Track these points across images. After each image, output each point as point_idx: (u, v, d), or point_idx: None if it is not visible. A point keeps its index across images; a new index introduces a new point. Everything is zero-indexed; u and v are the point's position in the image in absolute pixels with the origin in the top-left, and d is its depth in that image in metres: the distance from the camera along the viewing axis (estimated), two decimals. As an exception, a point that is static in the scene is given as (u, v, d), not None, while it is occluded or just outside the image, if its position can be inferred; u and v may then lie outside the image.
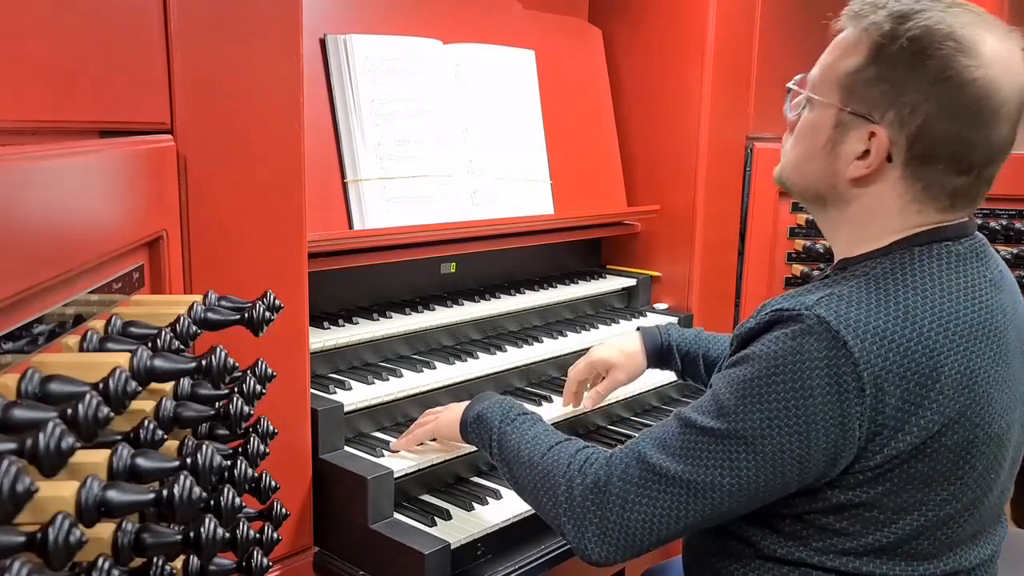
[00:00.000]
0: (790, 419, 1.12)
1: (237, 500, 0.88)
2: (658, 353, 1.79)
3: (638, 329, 1.85)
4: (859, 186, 1.21)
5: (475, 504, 1.61)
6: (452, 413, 1.56)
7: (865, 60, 1.17)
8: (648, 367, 1.81)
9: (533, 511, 1.61)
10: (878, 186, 1.20)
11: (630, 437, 1.97)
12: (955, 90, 1.12)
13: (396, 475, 1.55)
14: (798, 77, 1.32)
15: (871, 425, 1.11)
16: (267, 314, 1.01)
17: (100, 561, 0.68)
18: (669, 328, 1.84)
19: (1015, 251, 2.68)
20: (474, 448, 1.57)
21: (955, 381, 1.13)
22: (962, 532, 1.21)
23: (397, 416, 1.79)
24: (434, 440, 1.65)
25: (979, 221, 2.72)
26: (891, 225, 1.21)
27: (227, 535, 0.83)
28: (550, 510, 1.28)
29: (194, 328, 0.95)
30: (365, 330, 1.85)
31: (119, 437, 0.79)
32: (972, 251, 1.22)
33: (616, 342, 1.81)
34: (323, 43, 1.92)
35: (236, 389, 0.96)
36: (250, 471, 0.95)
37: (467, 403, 1.54)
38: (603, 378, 1.82)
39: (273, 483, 1.03)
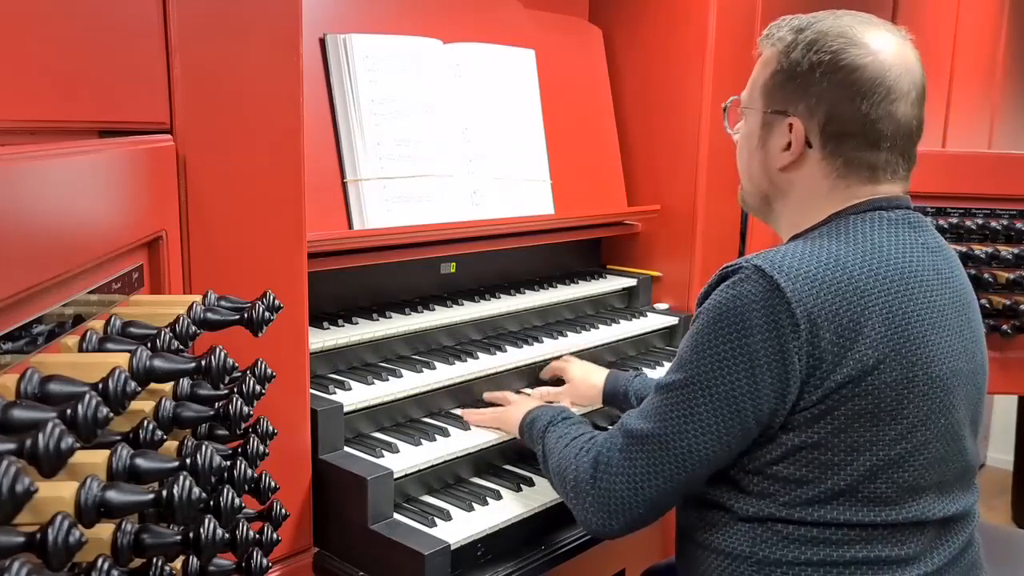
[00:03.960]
0: (736, 358, 1.24)
1: (237, 500, 0.88)
2: (613, 395, 1.92)
3: (611, 370, 1.98)
4: (789, 172, 1.40)
5: (475, 504, 1.61)
6: (515, 413, 1.72)
7: (776, 68, 1.39)
8: (603, 404, 1.95)
9: (533, 512, 1.63)
10: (805, 169, 1.38)
11: None
12: (850, 75, 1.31)
13: (396, 475, 1.55)
14: (732, 98, 1.58)
15: (809, 359, 1.22)
16: (267, 314, 1.00)
17: (100, 561, 0.68)
18: (637, 374, 1.95)
19: (1015, 251, 2.67)
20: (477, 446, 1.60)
21: (886, 319, 1.24)
22: (919, 479, 1.28)
23: (397, 416, 1.79)
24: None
25: (980, 221, 2.74)
26: (826, 201, 1.37)
27: (227, 536, 0.83)
28: (564, 492, 1.46)
29: (194, 328, 0.95)
30: (365, 330, 1.85)
31: (119, 437, 0.79)
32: (905, 220, 1.35)
33: (587, 372, 1.98)
34: (323, 43, 1.92)
35: (236, 389, 0.96)
36: (250, 471, 0.95)
37: (528, 407, 1.71)
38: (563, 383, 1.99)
39: (273, 483, 1.03)
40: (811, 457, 1.26)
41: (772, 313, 1.22)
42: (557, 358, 2.08)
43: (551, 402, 1.81)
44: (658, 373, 2.13)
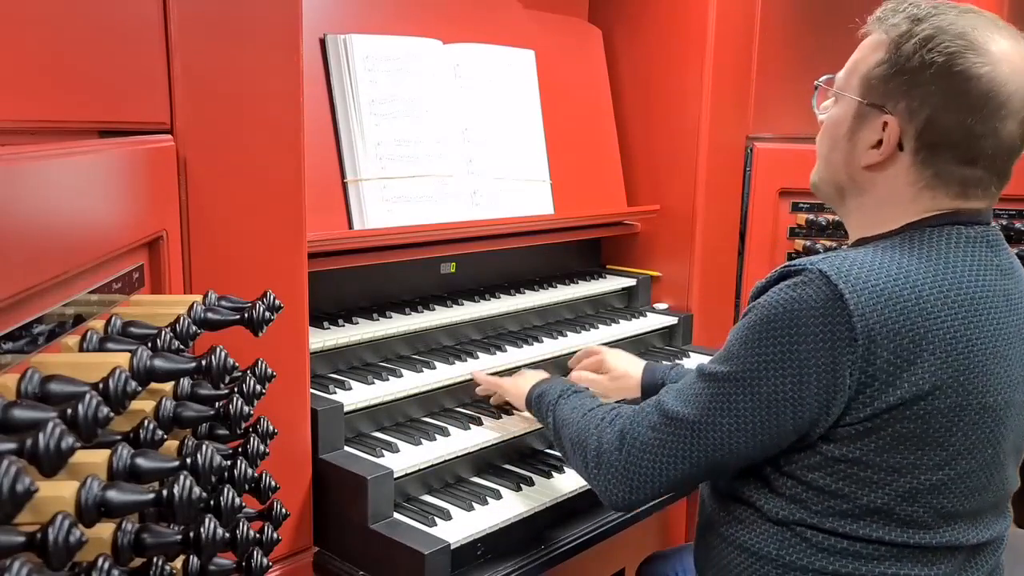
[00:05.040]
0: (784, 362, 1.20)
1: (237, 500, 0.88)
2: (652, 387, 1.88)
3: (647, 361, 1.94)
4: (873, 172, 1.30)
5: (475, 504, 1.61)
6: (522, 383, 1.75)
7: (884, 57, 1.27)
8: (642, 397, 1.91)
9: (533, 511, 1.63)
10: (891, 172, 1.28)
11: None
12: (962, 84, 1.20)
13: (396, 475, 1.55)
14: (826, 77, 1.43)
15: (862, 375, 1.17)
16: (267, 314, 1.01)
17: (100, 561, 0.68)
18: (673, 366, 1.91)
19: (1015, 251, 2.67)
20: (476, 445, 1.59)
21: (948, 345, 1.18)
22: (958, 505, 1.24)
23: (397, 416, 1.79)
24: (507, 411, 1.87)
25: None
26: (906, 210, 1.28)
27: (227, 535, 0.83)
28: (582, 461, 1.44)
29: (194, 328, 0.95)
30: (365, 330, 1.85)
31: (119, 437, 0.79)
32: (983, 237, 1.27)
33: (628, 359, 1.95)
34: (323, 43, 1.92)
35: (236, 389, 0.96)
36: (250, 471, 0.95)
37: (535, 380, 1.73)
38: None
39: (273, 483, 1.03)
40: (850, 472, 1.22)
41: (831, 323, 1.16)
42: (557, 358, 2.08)
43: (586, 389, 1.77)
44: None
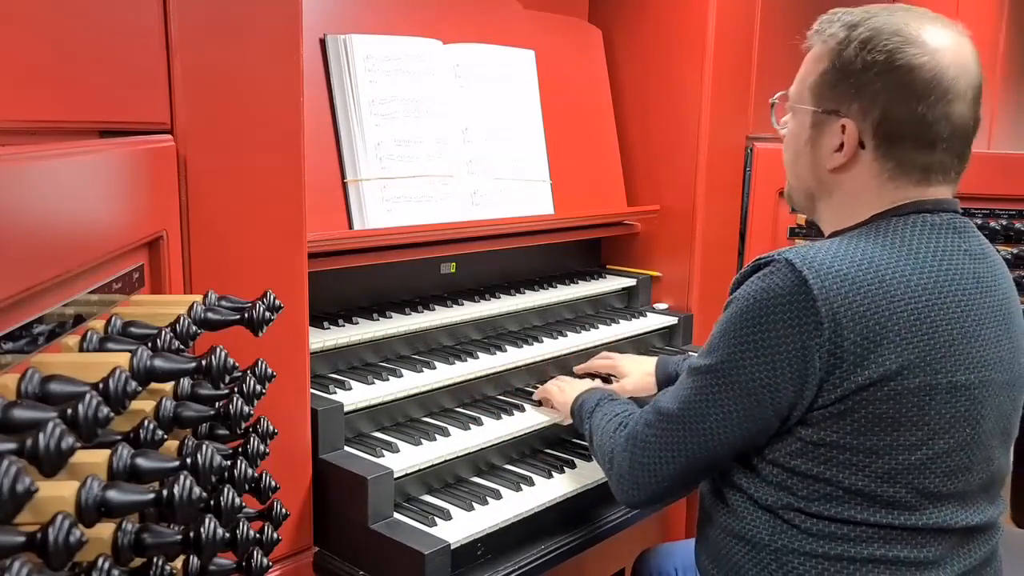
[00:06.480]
0: (759, 349, 1.25)
1: (237, 500, 0.88)
2: (667, 379, 1.94)
3: (658, 357, 2.01)
4: (840, 173, 1.36)
5: (475, 504, 1.61)
6: (569, 392, 1.84)
7: (828, 65, 1.34)
8: (658, 391, 1.96)
9: (533, 511, 1.63)
10: (856, 170, 1.35)
11: None
12: (905, 75, 1.27)
13: (396, 475, 1.56)
14: (779, 94, 1.53)
15: (830, 358, 1.21)
16: (267, 314, 1.01)
17: (100, 561, 0.69)
18: (685, 358, 1.96)
19: (1015, 251, 2.68)
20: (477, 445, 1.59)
21: (912, 325, 1.22)
22: (940, 486, 1.26)
23: (397, 416, 1.79)
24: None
25: (979, 221, 2.74)
26: (871, 203, 1.34)
27: (227, 535, 0.83)
28: (606, 464, 1.51)
29: (194, 328, 0.95)
30: (365, 330, 1.85)
31: (119, 437, 0.79)
32: (950, 224, 1.31)
33: (639, 361, 2.04)
34: (323, 43, 1.92)
35: (236, 389, 0.96)
36: (250, 471, 0.95)
37: (580, 390, 1.81)
38: (613, 379, 2.03)
39: (273, 483, 1.03)
40: (829, 455, 1.25)
41: (797, 309, 1.22)
42: (557, 358, 2.08)
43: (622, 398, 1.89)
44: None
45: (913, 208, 1.31)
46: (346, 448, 1.63)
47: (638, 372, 1.98)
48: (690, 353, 2.13)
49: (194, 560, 0.87)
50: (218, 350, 0.90)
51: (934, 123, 1.27)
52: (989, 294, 1.30)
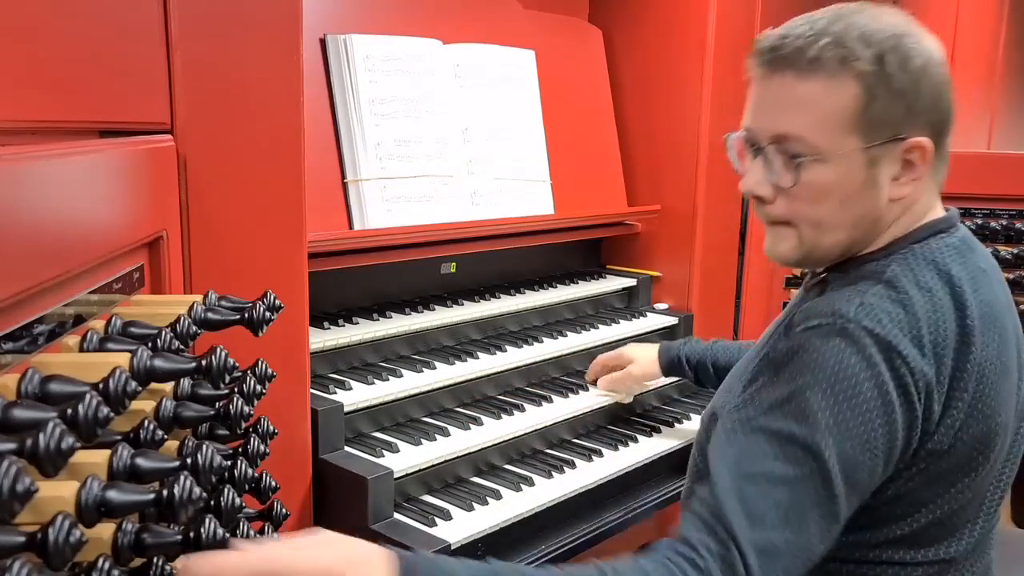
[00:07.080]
0: (856, 429, 1.11)
1: (237, 500, 0.88)
2: (669, 363, 1.98)
3: (661, 342, 2.04)
4: (900, 200, 1.23)
5: (475, 504, 1.61)
6: None
7: (861, 91, 1.16)
8: (663, 375, 2.02)
9: (533, 511, 1.63)
10: (917, 185, 1.22)
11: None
12: (935, 70, 1.19)
13: (396, 475, 1.55)
14: (735, 135, 1.36)
15: (916, 431, 1.14)
16: (267, 314, 1.01)
17: (100, 561, 0.69)
18: (685, 342, 2.01)
19: (1015, 251, 2.68)
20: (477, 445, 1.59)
21: (971, 376, 1.16)
22: (965, 518, 1.24)
23: (397, 416, 1.79)
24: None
25: (979, 221, 2.74)
26: (898, 224, 1.24)
27: (227, 535, 0.83)
28: None
29: (194, 328, 0.95)
30: (365, 330, 1.85)
31: (119, 437, 0.79)
32: (965, 243, 1.25)
33: (643, 347, 2.05)
34: (323, 43, 1.92)
35: (236, 389, 0.96)
36: (250, 471, 0.96)
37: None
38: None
39: (273, 483, 1.03)
40: (873, 511, 1.20)
41: (901, 384, 1.12)
42: (557, 358, 2.09)
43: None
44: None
45: (928, 231, 1.23)
46: (346, 448, 1.63)
47: (644, 358, 2.00)
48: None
49: (194, 560, 0.87)
50: (218, 350, 0.90)
51: (951, 116, 1.23)
52: (1008, 314, 1.25)
